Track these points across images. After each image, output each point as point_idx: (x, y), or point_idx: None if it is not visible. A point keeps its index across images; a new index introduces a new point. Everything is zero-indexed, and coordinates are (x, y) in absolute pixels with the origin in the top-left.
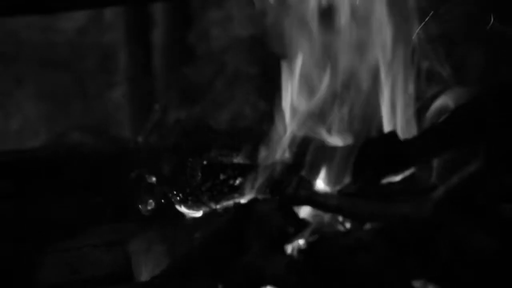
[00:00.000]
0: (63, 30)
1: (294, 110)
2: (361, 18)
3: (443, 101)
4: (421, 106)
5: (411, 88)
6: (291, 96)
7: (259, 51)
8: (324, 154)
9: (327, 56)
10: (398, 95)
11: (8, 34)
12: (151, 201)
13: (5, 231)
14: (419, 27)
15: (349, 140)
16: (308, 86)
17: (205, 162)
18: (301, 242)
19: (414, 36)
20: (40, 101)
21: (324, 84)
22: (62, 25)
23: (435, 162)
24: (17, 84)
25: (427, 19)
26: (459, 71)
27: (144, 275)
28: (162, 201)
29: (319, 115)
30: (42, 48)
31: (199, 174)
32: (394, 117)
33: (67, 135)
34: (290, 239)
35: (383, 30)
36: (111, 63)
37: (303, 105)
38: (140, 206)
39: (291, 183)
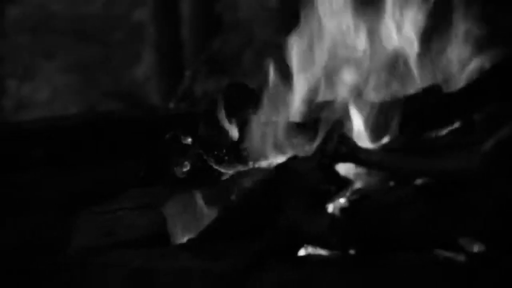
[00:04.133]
0: (91, 1)
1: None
2: None
3: (479, 62)
4: (456, 67)
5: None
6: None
7: (288, 19)
8: (365, 110)
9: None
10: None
11: (37, 6)
12: (186, 163)
13: (38, 199)
14: None
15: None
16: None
17: (242, 121)
18: (342, 201)
19: None
20: (69, 72)
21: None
22: None
23: (477, 117)
24: (46, 56)
25: None
26: (495, 32)
27: (180, 238)
28: (197, 162)
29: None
30: (71, 20)
31: (236, 133)
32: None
33: (97, 105)
34: (331, 198)
35: None
36: (139, 34)
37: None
38: (174, 168)
39: (331, 140)
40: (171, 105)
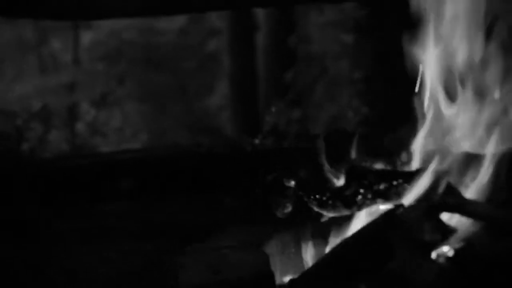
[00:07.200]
0: (164, 31)
1: (436, 117)
2: None
3: None
4: None
5: None
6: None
7: (362, 55)
8: (474, 161)
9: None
10: None
11: (109, 34)
12: (288, 204)
13: (129, 229)
14: None
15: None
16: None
17: (348, 167)
18: (446, 249)
19: None
20: (141, 100)
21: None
22: (162, 26)
23: None
24: (118, 83)
25: None
26: None
27: (279, 277)
28: (298, 204)
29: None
30: (143, 48)
31: (342, 178)
32: None
33: (167, 134)
34: (436, 246)
35: None
36: (212, 64)
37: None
38: (276, 208)
39: (438, 190)
40: (257, 140)
